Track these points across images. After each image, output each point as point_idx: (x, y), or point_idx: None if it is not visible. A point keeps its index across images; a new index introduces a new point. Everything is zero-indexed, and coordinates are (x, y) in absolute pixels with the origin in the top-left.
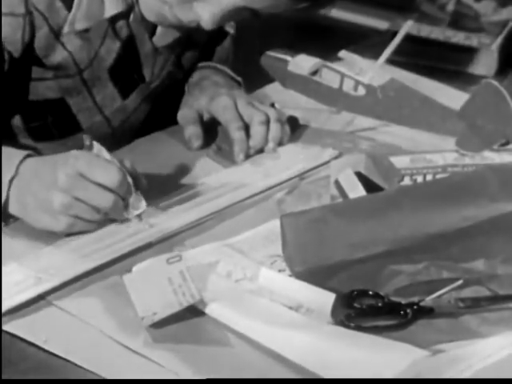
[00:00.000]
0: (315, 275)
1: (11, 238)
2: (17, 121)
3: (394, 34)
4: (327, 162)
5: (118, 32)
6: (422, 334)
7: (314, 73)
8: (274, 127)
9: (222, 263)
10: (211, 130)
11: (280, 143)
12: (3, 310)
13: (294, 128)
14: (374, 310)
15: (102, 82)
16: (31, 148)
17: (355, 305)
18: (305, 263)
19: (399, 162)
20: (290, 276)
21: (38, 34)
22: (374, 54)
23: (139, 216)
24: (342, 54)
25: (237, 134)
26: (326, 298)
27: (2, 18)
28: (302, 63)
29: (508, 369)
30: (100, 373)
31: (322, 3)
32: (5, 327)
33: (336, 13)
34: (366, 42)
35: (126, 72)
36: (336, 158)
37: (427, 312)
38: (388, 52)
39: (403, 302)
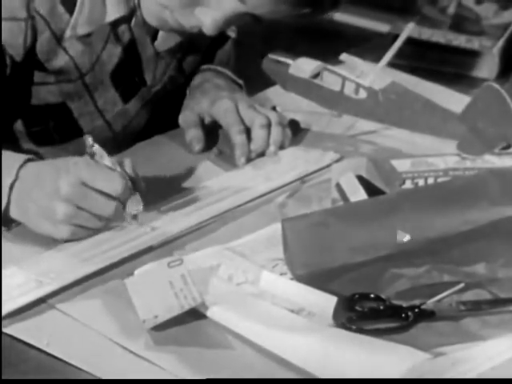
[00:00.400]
0: (317, 278)
1: (12, 242)
2: (18, 125)
3: (396, 37)
4: (328, 166)
5: (120, 36)
6: (423, 337)
7: (315, 76)
8: (275, 131)
9: (224, 267)
10: (212, 133)
11: (281, 147)
12: (4, 313)
13: (295, 131)
14: (376, 313)
15: (104, 87)
16: (33, 152)
17: (357, 308)
18: (306, 266)
19: (400, 165)
20: (292, 279)
21: (40, 39)
22: (375, 57)
23: (135, 217)
24: (343, 56)
25: (238, 138)
26: (327, 301)
27: (5, 22)
28: (303, 66)
29: (509, 372)
30: (101, 375)
31: (323, 10)
32: (6, 330)
33: (337, 16)
34: (367, 45)
35: (127, 76)
36: (337, 161)
37: (428, 315)
38: (389, 55)
39: (404, 305)
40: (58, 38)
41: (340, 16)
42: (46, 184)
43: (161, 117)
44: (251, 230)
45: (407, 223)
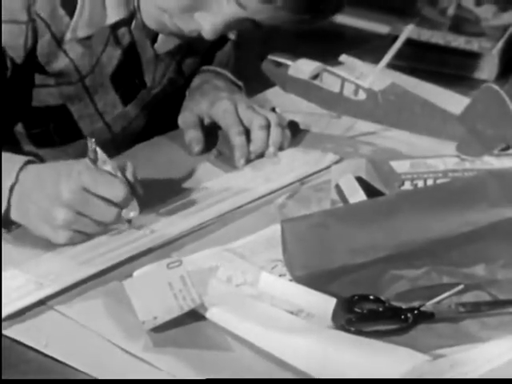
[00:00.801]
0: (316, 280)
1: (12, 244)
2: (18, 127)
3: (395, 38)
4: (328, 167)
5: (120, 39)
6: (422, 338)
7: (315, 77)
8: (275, 132)
9: (223, 268)
10: (212, 134)
11: (280, 148)
12: (4, 314)
13: (295, 132)
14: (375, 315)
15: (104, 89)
16: (33, 154)
17: (356, 309)
18: (305, 268)
19: (400, 166)
20: (291, 281)
21: (41, 41)
22: (375, 59)
23: (130, 222)
24: (343, 58)
25: (237, 139)
26: (326, 303)
27: (5, 25)
28: (303, 67)
29: (508, 374)
30: (100, 377)
31: (323, 16)
32: (6, 332)
33: (337, 17)
34: (367, 46)
35: (127, 78)
36: (337, 162)
37: (428, 317)
38: (389, 56)
39: (404, 306)
40: (59, 41)
41: (340, 17)
42: (47, 187)
43: (160, 118)
44: (250, 231)
45: (406, 224)
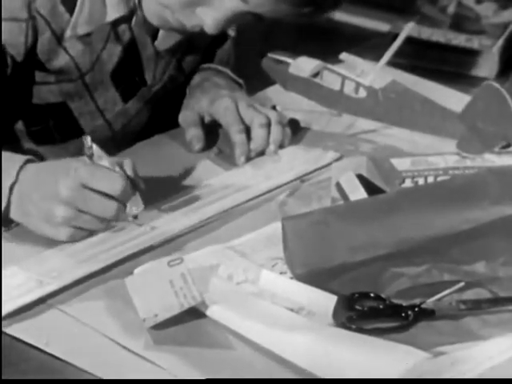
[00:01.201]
0: (316, 277)
1: (12, 242)
2: (19, 124)
3: (395, 36)
4: (328, 165)
5: (120, 36)
6: (423, 336)
7: (315, 75)
8: (275, 130)
9: (224, 266)
10: (212, 132)
11: (281, 146)
12: (4, 313)
13: (295, 130)
14: (376, 312)
15: (104, 86)
16: (33, 152)
17: (356, 307)
18: (306, 265)
19: (400, 164)
20: (292, 278)
21: (41, 39)
22: (375, 56)
23: (136, 217)
24: (343, 56)
25: (238, 137)
26: (327, 301)
27: (5, 22)
28: (303, 65)
29: (509, 371)
30: (101, 375)
31: (324, 9)
32: (6, 330)
33: (337, 15)
34: (367, 44)
35: (127, 76)
36: (337, 160)
37: (428, 314)
38: (389, 54)
39: (404, 304)
40: (59, 38)
41: (340, 15)
42: (46, 186)
43: (161, 116)
44: (251, 229)
45: (407, 222)
